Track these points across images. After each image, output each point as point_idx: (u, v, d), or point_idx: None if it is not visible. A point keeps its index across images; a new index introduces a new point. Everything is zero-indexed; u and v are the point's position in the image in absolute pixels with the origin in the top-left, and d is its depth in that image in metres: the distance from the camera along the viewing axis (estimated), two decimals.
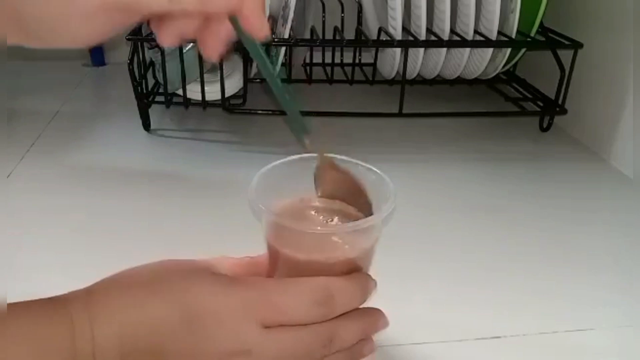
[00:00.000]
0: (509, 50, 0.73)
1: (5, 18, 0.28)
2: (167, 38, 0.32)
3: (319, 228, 0.36)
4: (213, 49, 0.33)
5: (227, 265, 0.37)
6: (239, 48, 0.66)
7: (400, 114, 0.70)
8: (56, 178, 0.62)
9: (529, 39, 0.72)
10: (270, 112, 0.72)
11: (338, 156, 0.38)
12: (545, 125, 0.78)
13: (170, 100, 0.74)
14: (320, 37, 0.79)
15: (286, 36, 0.68)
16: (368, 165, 0.39)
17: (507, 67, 0.80)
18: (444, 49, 0.72)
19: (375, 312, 0.36)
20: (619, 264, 0.52)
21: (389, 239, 0.53)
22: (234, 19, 0.31)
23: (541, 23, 0.73)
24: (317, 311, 0.33)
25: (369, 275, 0.37)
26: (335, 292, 0.33)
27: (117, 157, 0.67)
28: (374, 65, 0.80)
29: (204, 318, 0.31)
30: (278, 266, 0.36)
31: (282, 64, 0.73)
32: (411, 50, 0.73)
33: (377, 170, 0.39)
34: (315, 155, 0.37)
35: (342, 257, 0.35)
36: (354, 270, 0.36)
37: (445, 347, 0.42)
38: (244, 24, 0.31)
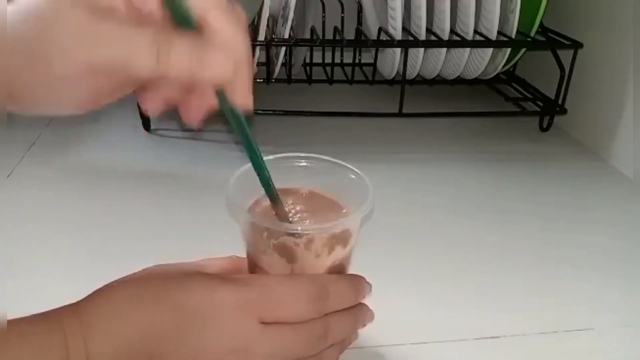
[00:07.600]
0: (509, 50, 0.73)
1: None
2: (151, 103, 0.32)
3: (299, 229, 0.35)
4: (195, 117, 0.32)
5: (215, 265, 0.37)
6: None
7: (400, 114, 0.70)
8: (56, 178, 0.62)
9: (529, 39, 0.72)
10: (269, 112, 0.72)
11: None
12: (545, 125, 0.78)
13: None
14: (320, 37, 0.79)
15: (286, 36, 0.68)
16: (348, 165, 0.39)
17: (507, 67, 0.80)
18: (444, 49, 0.72)
19: (363, 306, 0.38)
20: (618, 264, 0.52)
21: (388, 238, 0.54)
22: (220, 91, 0.30)
23: (541, 23, 0.73)
24: (313, 307, 0.33)
25: (363, 277, 0.37)
26: (331, 288, 0.34)
27: (117, 157, 0.67)
28: (374, 65, 0.80)
29: (199, 317, 0.31)
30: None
31: (282, 64, 0.73)
32: (411, 50, 0.73)
33: (357, 170, 0.39)
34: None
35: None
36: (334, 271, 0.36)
37: (445, 347, 0.42)
38: (232, 96, 0.30)
